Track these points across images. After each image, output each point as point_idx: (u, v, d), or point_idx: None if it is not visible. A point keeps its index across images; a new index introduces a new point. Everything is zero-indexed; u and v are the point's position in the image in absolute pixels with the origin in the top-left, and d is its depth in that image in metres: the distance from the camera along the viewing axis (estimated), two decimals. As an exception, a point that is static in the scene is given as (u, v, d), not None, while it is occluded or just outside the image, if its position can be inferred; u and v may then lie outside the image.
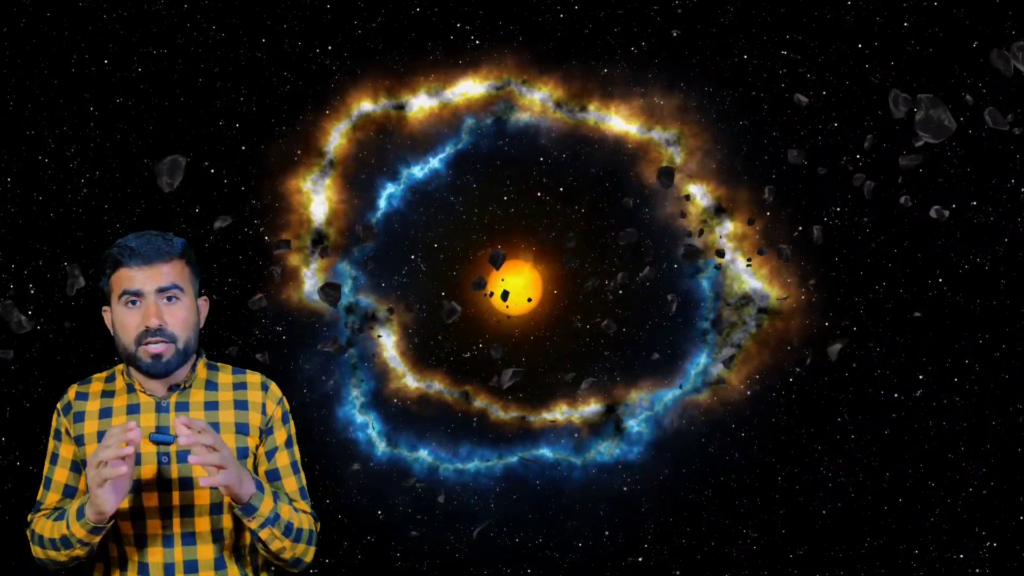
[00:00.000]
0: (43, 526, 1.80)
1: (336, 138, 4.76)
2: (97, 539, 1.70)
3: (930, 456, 4.70)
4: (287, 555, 1.81)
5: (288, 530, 1.78)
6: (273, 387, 1.98)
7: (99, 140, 4.32)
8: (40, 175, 4.24)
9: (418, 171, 4.87)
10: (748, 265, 4.47)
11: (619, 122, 4.86)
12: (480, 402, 4.96)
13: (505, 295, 4.69)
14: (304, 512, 1.89)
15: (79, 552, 1.72)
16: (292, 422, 2.00)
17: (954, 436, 4.68)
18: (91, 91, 4.30)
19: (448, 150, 4.87)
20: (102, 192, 4.34)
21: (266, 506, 1.73)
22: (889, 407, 4.73)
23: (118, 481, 1.63)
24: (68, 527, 1.69)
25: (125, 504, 1.77)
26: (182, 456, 1.81)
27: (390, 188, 4.87)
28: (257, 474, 1.92)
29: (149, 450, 1.81)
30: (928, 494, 4.71)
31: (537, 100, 4.84)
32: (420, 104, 4.80)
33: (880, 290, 4.70)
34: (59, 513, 1.78)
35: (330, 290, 4.20)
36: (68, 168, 4.28)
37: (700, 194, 4.90)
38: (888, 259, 4.69)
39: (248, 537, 1.89)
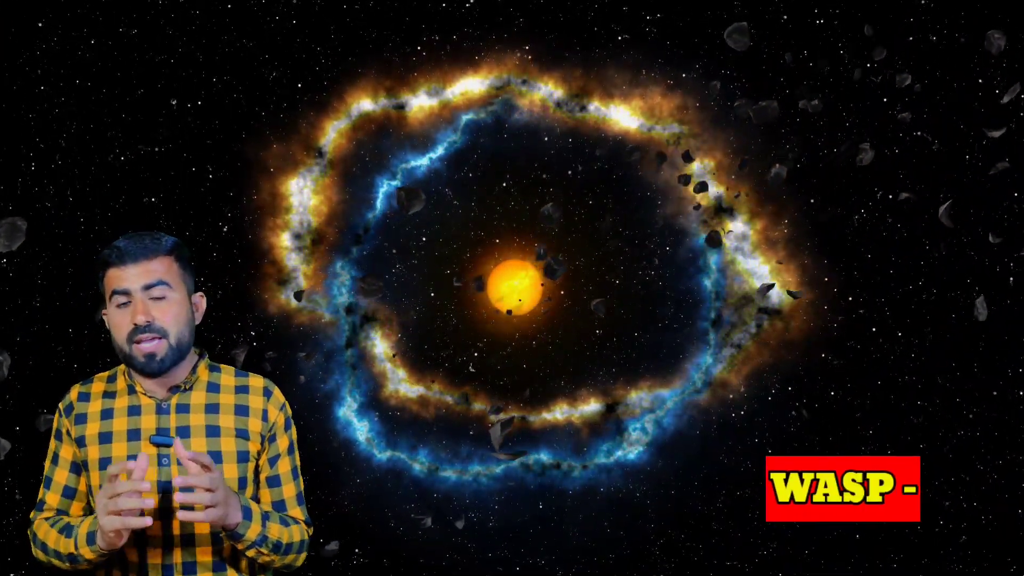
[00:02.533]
0: (47, 533, 1.81)
1: (334, 136, 4.72)
2: (104, 559, 1.74)
3: (948, 461, 4.60)
4: (276, 565, 1.88)
5: (277, 547, 1.82)
6: (276, 392, 1.96)
7: (96, 139, 4.28)
8: (29, 175, 4.20)
9: (418, 169, 4.84)
10: (779, 263, 4.48)
11: (620, 119, 4.83)
12: (480, 404, 4.93)
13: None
14: (296, 521, 1.93)
15: (84, 567, 1.77)
16: (293, 427, 1.99)
17: (974, 441, 4.59)
18: (89, 89, 4.26)
19: (448, 148, 4.84)
20: (95, 191, 4.29)
21: (253, 531, 1.76)
22: (909, 412, 4.65)
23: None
24: (76, 547, 1.72)
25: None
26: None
27: (388, 186, 4.84)
28: (259, 479, 1.92)
29: (149, 452, 1.79)
30: (949, 503, 4.61)
31: (538, 98, 4.81)
32: (420, 103, 4.77)
33: (899, 290, 4.63)
34: (64, 525, 1.79)
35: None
36: (57, 168, 4.24)
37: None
38: (901, 257, 4.63)
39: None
